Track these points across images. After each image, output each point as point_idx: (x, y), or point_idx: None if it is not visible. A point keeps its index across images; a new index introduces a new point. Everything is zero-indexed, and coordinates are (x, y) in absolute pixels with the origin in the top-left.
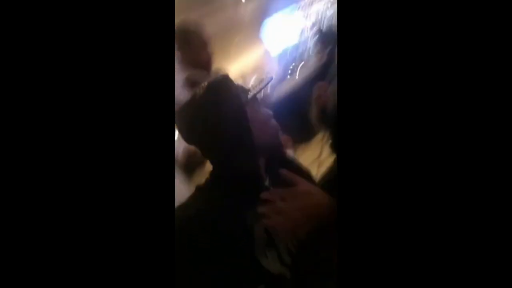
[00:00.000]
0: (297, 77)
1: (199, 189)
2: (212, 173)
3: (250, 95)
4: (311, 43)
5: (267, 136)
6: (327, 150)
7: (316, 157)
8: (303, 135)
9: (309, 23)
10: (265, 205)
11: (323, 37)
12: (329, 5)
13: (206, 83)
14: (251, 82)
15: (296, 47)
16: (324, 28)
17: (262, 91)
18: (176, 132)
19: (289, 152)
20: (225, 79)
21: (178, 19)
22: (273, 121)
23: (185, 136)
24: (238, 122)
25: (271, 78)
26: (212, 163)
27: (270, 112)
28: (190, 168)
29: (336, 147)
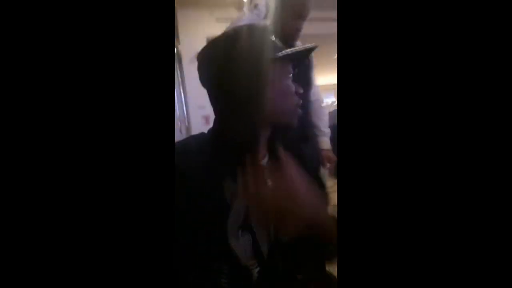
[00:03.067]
0: None
1: (188, 143)
2: (210, 130)
3: (282, 53)
4: None
5: (281, 110)
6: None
7: None
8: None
9: None
10: (248, 180)
11: None
12: None
13: (241, 24)
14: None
15: None
16: None
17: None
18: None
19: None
20: (263, 27)
21: None
22: (296, 98)
23: (200, 75)
24: (256, 78)
25: (315, 47)
26: (215, 114)
27: (300, 89)
28: None
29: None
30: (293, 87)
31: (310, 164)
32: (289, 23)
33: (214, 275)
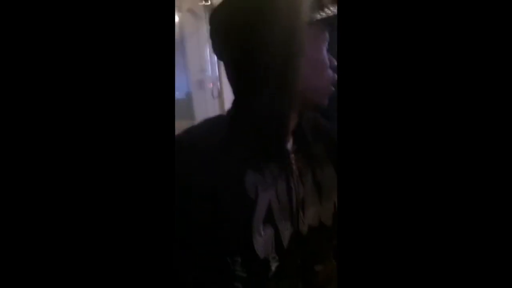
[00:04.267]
0: None
1: (206, 128)
2: (228, 112)
3: (321, 16)
4: None
5: (315, 87)
6: None
7: None
8: None
9: None
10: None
11: None
12: None
13: None
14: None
15: None
16: None
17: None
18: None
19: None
20: None
21: None
22: (331, 73)
23: (215, 42)
24: (288, 45)
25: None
26: (234, 93)
27: (335, 62)
28: None
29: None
30: (328, 60)
31: (329, 140)
32: None
33: (232, 270)
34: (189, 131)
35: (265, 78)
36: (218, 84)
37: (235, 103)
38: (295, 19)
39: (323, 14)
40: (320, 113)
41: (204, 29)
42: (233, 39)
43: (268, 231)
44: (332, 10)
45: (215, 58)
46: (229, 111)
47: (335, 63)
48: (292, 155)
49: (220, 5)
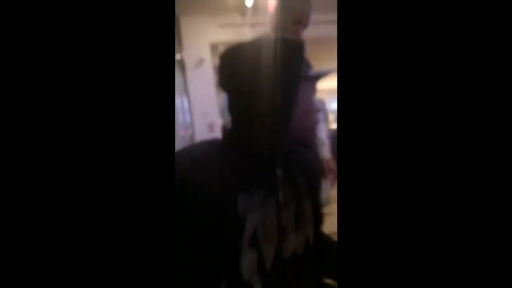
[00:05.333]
0: None
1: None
2: (224, 136)
3: (311, 73)
4: None
5: (302, 126)
6: None
7: None
8: None
9: None
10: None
11: None
12: None
13: (278, 35)
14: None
15: None
16: None
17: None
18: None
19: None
20: (298, 43)
21: None
22: (316, 116)
23: (221, 76)
24: (282, 91)
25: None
26: (232, 121)
27: (319, 107)
28: None
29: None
30: (315, 104)
31: (312, 174)
32: (289, 29)
33: None
34: (188, 150)
35: (261, 116)
36: (190, 129)
37: (230, 131)
38: (292, 71)
39: (316, 71)
40: (305, 147)
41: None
42: (238, 75)
43: (253, 254)
44: (320, 71)
45: None
46: (224, 138)
47: (320, 108)
48: (280, 185)
49: (231, 48)
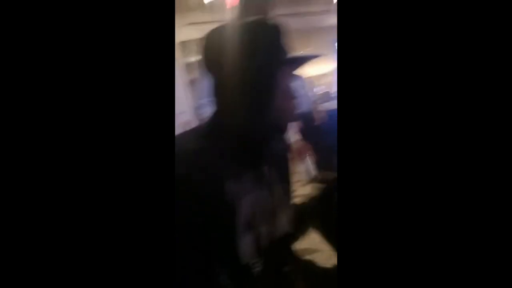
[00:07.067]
0: None
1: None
2: (208, 124)
3: (290, 56)
4: None
5: (282, 112)
6: None
7: None
8: None
9: None
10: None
11: None
12: None
13: (261, 18)
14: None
15: None
16: None
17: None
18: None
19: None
20: (278, 26)
21: None
22: (295, 102)
23: (206, 57)
24: (263, 76)
25: (318, 56)
26: (216, 105)
27: (299, 93)
28: None
29: None
30: (294, 91)
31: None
32: None
33: (216, 277)
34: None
35: (245, 100)
36: None
37: (215, 116)
38: (272, 56)
39: (293, 54)
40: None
41: None
42: (220, 62)
43: (249, 237)
44: (300, 53)
45: None
46: (209, 123)
47: (299, 94)
48: (266, 167)
49: (216, 28)
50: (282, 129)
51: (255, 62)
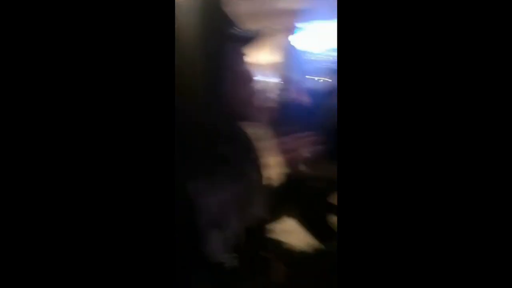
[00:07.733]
0: None
1: None
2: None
3: (237, 31)
4: None
5: (239, 98)
6: None
7: None
8: None
9: None
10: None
11: None
12: None
13: None
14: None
15: None
16: None
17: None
18: None
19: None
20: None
21: None
22: (252, 86)
23: None
24: (212, 57)
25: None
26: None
27: (255, 75)
28: None
29: None
30: (247, 73)
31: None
32: None
33: (190, 280)
34: None
35: (199, 86)
36: None
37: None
38: (217, 34)
39: (240, 31)
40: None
41: None
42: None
43: (216, 235)
44: (248, 32)
45: None
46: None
47: (253, 76)
48: (232, 160)
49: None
50: (243, 116)
51: (200, 43)
